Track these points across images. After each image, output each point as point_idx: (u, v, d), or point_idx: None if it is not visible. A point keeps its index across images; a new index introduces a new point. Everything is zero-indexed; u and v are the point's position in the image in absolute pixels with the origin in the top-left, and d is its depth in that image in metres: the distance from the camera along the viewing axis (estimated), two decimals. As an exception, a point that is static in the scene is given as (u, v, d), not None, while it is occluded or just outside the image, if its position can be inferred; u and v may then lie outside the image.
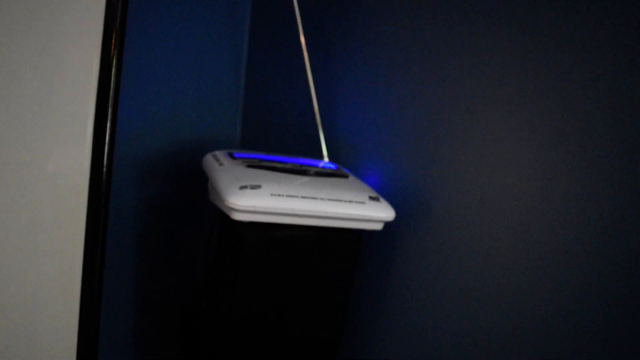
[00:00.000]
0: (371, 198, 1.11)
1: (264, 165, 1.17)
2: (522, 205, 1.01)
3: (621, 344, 0.88)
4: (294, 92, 1.56)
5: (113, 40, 0.96)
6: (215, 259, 1.23)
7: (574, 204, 0.93)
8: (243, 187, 1.04)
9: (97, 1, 0.94)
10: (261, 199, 1.03)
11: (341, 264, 1.14)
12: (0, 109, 0.90)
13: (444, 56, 1.15)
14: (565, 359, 0.95)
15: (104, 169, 0.99)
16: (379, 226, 1.12)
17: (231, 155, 1.24)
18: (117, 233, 1.48)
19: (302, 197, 1.06)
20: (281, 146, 1.58)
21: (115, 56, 0.97)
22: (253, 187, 1.04)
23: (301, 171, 1.18)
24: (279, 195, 1.04)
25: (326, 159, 1.32)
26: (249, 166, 1.16)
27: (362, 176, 1.30)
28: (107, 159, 0.99)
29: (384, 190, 1.23)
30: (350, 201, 1.08)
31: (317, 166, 1.26)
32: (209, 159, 1.24)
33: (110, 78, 0.97)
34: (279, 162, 1.23)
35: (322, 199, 1.07)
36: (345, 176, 1.21)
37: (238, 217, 1.04)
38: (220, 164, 1.17)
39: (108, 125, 0.98)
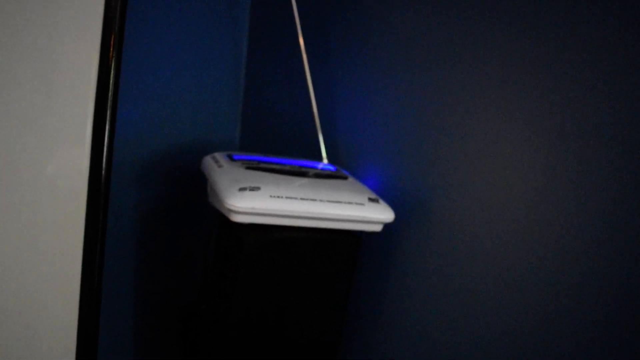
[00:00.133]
0: (370, 200, 1.11)
1: (263, 167, 1.17)
2: (522, 206, 1.01)
3: (621, 344, 0.88)
4: (293, 94, 1.56)
5: (112, 42, 0.96)
6: (215, 261, 1.23)
7: (574, 205, 0.93)
8: (242, 189, 1.04)
9: (95, 3, 0.94)
10: (260, 200, 1.03)
11: (340, 266, 1.14)
12: (1, 111, 0.90)
13: (443, 57, 1.15)
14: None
15: (103, 171, 0.99)
16: (378, 228, 1.12)
17: (230, 157, 1.24)
18: (116, 235, 1.48)
19: (302, 198, 1.06)
20: (280, 148, 1.58)
21: (114, 58, 0.97)
22: (252, 189, 1.04)
23: (300, 173, 1.18)
24: (278, 197, 1.04)
25: (325, 161, 1.32)
26: (248, 168, 1.16)
27: (361, 178, 1.30)
28: (106, 161, 0.99)
29: (383, 192, 1.23)
30: (349, 203, 1.08)
31: (316, 168, 1.26)
32: (208, 160, 1.24)
33: (109, 80, 0.97)
34: (278, 163, 1.23)
35: (321, 200, 1.07)
36: (344, 178, 1.21)
37: (237, 218, 1.04)
38: (220, 166, 1.17)
39: (107, 127, 0.98)
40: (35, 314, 0.98)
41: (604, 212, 0.90)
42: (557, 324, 0.96)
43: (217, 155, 1.26)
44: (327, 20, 1.46)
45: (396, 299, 1.25)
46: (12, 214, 0.94)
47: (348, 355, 1.35)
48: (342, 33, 1.42)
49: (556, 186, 0.96)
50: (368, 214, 1.09)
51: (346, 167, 1.34)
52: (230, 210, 1.03)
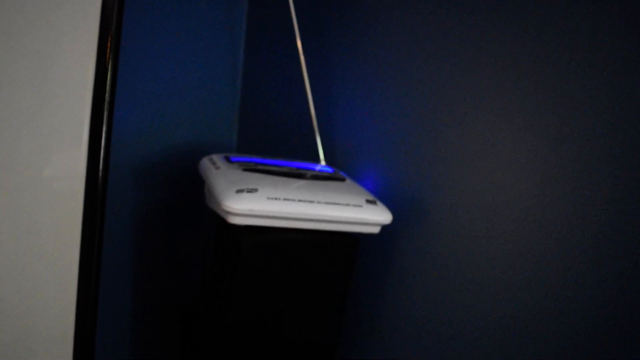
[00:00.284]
0: (368, 201, 1.11)
1: (261, 169, 1.17)
2: (520, 208, 1.01)
3: (618, 344, 0.88)
4: (290, 96, 1.56)
5: (109, 45, 0.96)
6: (213, 263, 1.23)
7: (572, 206, 0.93)
8: (240, 191, 1.04)
9: (92, 5, 0.94)
10: (258, 202, 1.03)
11: (338, 268, 1.14)
12: (-4, 114, 0.90)
13: (442, 59, 1.15)
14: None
15: (100, 174, 0.99)
16: (376, 229, 1.12)
17: (228, 159, 1.24)
18: (113, 236, 1.48)
19: (299, 200, 1.06)
20: (278, 150, 1.58)
21: (110, 60, 0.97)
22: (250, 191, 1.04)
23: (298, 175, 1.18)
24: (276, 198, 1.04)
25: (323, 163, 1.32)
26: (246, 170, 1.16)
27: (359, 179, 1.30)
28: (103, 163, 0.99)
29: (381, 194, 1.23)
30: (347, 204, 1.08)
31: (313, 170, 1.26)
32: (205, 162, 1.24)
33: (106, 81, 0.97)
34: (276, 165, 1.23)
35: (318, 202, 1.07)
36: (342, 179, 1.21)
37: (235, 220, 1.04)
38: (217, 168, 1.17)
39: (104, 129, 0.98)
40: (32, 315, 0.98)
41: (603, 213, 0.90)
42: (556, 325, 0.96)
43: (215, 157, 1.26)
44: (324, 22, 1.46)
45: (394, 300, 1.25)
46: (9, 215, 0.94)
47: (346, 357, 1.34)
48: (339, 34, 1.42)
49: (554, 187, 0.96)
50: (366, 215, 1.09)
51: (344, 169, 1.33)
52: (228, 212, 1.03)
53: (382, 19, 1.29)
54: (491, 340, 1.05)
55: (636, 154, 0.86)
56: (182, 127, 1.63)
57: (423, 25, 1.19)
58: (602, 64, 0.89)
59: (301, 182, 1.14)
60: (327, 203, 1.07)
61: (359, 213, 1.09)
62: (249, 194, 1.03)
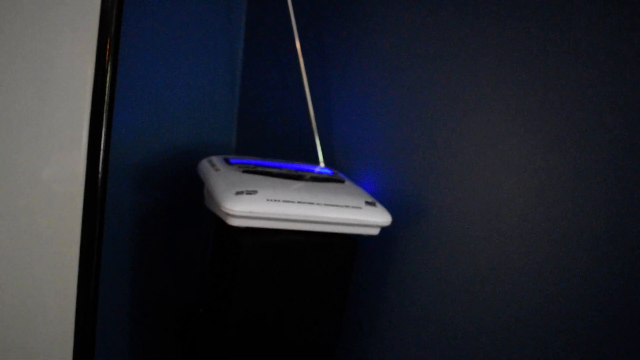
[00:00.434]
0: (367, 203, 1.11)
1: (260, 171, 1.17)
2: (519, 210, 1.01)
3: (616, 344, 0.89)
4: (289, 98, 1.56)
5: (108, 47, 0.96)
6: (212, 264, 1.23)
7: (570, 208, 0.94)
8: (239, 193, 1.04)
9: (91, 7, 0.94)
10: (257, 204, 1.03)
11: (338, 269, 1.14)
12: (-5, 116, 0.90)
13: (441, 60, 1.15)
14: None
15: (100, 175, 0.99)
16: (375, 231, 1.12)
17: (227, 161, 1.24)
18: (113, 238, 1.48)
19: (299, 202, 1.06)
20: (277, 151, 1.58)
21: (110, 62, 0.97)
22: (249, 193, 1.04)
23: (297, 176, 1.18)
24: (275, 200, 1.04)
25: (322, 164, 1.32)
26: (245, 171, 1.16)
27: (358, 181, 1.30)
28: (103, 165, 0.99)
29: (380, 195, 1.23)
30: (346, 206, 1.08)
31: (313, 171, 1.26)
32: (204, 164, 1.24)
33: (105, 84, 0.97)
34: (275, 167, 1.23)
35: (318, 204, 1.07)
36: (341, 181, 1.21)
37: (234, 222, 1.04)
38: (216, 170, 1.17)
39: (103, 131, 0.98)
40: (32, 317, 0.98)
41: (601, 215, 0.90)
42: (557, 326, 0.96)
43: (214, 158, 1.26)
44: (323, 24, 1.47)
45: (393, 301, 1.25)
46: (9, 217, 0.94)
47: (346, 357, 1.34)
48: (338, 36, 1.42)
49: (553, 188, 0.96)
50: (365, 217, 1.09)
51: (343, 171, 1.34)
52: (228, 214, 1.03)
53: (381, 20, 1.30)
54: (491, 341, 1.05)
55: (636, 154, 0.86)
56: (181, 129, 1.63)
57: (422, 26, 1.19)
58: (602, 64, 0.89)
59: (300, 184, 1.14)
60: (326, 205, 1.07)
61: (358, 215, 1.09)
62: (248, 196, 1.03)
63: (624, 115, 0.87)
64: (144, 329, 1.68)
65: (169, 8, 1.55)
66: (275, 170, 1.19)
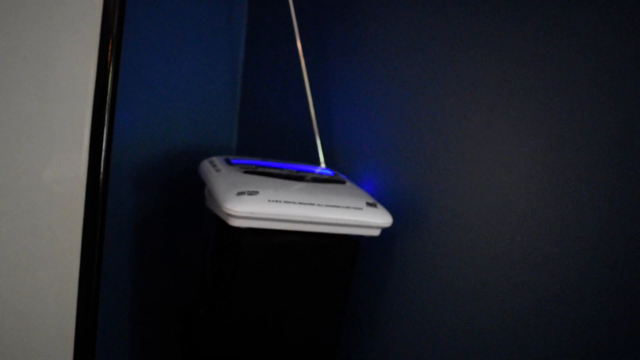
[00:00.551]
0: (368, 204, 1.11)
1: (261, 172, 1.17)
2: (520, 210, 1.01)
3: (616, 345, 0.89)
4: (290, 98, 1.56)
5: (110, 48, 0.97)
6: (213, 265, 1.23)
7: (571, 210, 0.94)
8: (240, 193, 1.04)
9: (94, 9, 0.95)
10: (259, 205, 1.03)
11: (338, 270, 1.14)
12: (-2, 116, 0.90)
13: (442, 61, 1.15)
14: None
15: (101, 176, 0.99)
16: (376, 232, 1.12)
17: (228, 162, 1.24)
18: (114, 239, 1.48)
19: (300, 203, 1.06)
20: (278, 152, 1.58)
21: (112, 63, 0.97)
22: (250, 193, 1.04)
23: (298, 177, 1.18)
24: (277, 201, 1.04)
25: (323, 165, 1.32)
26: (246, 172, 1.16)
27: (359, 182, 1.30)
28: (104, 165, 0.99)
29: (381, 196, 1.23)
30: (347, 207, 1.08)
31: (313, 172, 1.26)
32: (205, 165, 1.24)
33: (107, 85, 0.97)
34: (276, 168, 1.23)
35: (319, 205, 1.07)
36: (342, 182, 1.21)
37: (235, 223, 1.04)
38: (217, 170, 1.17)
39: (105, 132, 0.98)
40: (33, 317, 0.98)
41: (602, 217, 0.90)
42: (557, 326, 0.96)
43: (215, 159, 1.26)
44: (324, 24, 1.47)
45: (394, 302, 1.25)
46: (10, 218, 0.94)
47: (346, 358, 1.34)
48: (339, 37, 1.42)
49: (553, 189, 0.96)
50: (366, 218, 1.09)
51: (344, 171, 1.34)
52: (229, 215, 1.03)
53: (383, 21, 1.30)
54: (492, 342, 1.06)
55: (636, 154, 0.86)
56: (182, 129, 1.63)
57: (424, 27, 1.19)
58: (602, 65, 0.90)
59: (301, 184, 1.14)
60: (327, 206, 1.07)
61: (359, 216, 1.09)
62: (249, 197, 1.03)
63: (624, 115, 0.87)
64: (144, 329, 1.68)
65: (171, 9, 1.55)
66: (276, 171, 1.19)
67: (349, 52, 1.39)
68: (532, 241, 0.99)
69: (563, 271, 0.95)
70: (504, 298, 1.03)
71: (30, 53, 0.91)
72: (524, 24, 1.00)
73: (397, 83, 1.25)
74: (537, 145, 0.98)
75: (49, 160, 0.95)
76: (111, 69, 0.97)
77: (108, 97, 0.97)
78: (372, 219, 1.10)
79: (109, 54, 0.97)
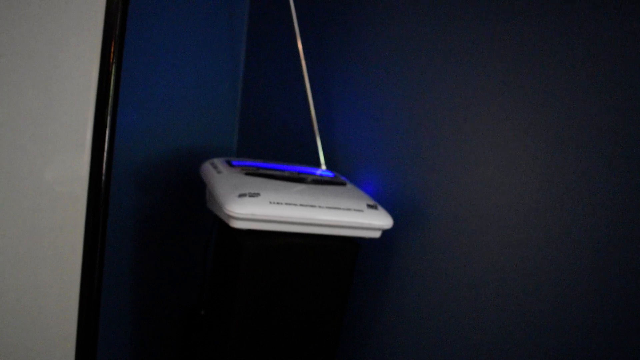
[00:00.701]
0: (369, 206, 1.11)
1: (262, 173, 1.17)
2: (520, 214, 1.01)
3: (616, 347, 0.89)
4: (291, 100, 1.56)
5: (112, 49, 0.97)
6: (214, 266, 1.23)
7: (572, 212, 0.94)
8: (242, 195, 1.04)
9: (96, 10, 0.95)
10: (260, 206, 1.03)
11: (339, 272, 1.14)
12: (0, 117, 0.90)
13: (443, 63, 1.16)
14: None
15: (103, 177, 0.99)
16: (376, 234, 1.13)
17: (229, 163, 1.24)
18: (115, 240, 1.48)
19: (301, 205, 1.06)
20: (278, 154, 1.58)
21: (114, 64, 0.97)
22: (252, 195, 1.04)
23: (299, 179, 1.18)
24: (278, 203, 1.05)
25: (323, 167, 1.32)
26: (248, 174, 1.16)
27: (360, 184, 1.30)
28: (106, 166, 0.99)
29: (381, 198, 1.23)
30: (348, 209, 1.09)
31: (314, 174, 1.26)
32: (207, 166, 1.25)
33: (110, 86, 0.97)
34: (277, 169, 1.23)
35: (320, 207, 1.07)
36: (342, 184, 1.21)
37: (237, 224, 1.04)
38: (219, 172, 1.18)
39: (107, 133, 0.98)
40: (35, 318, 0.98)
41: (603, 217, 0.90)
42: (557, 328, 0.96)
43: (216, 161, 1.27)
44: (325, 27, 1.47)
45: (394, 305, 1.25)
46: (12, 218, 0.94)
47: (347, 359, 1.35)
48: (339, 40, 1.42)
49: (554, 191, 0.96)
50: (367, 220, 1.09)
51: (344, 173, 1.34)
52: (230, 216, 1.03)
53: (383, 23, 1.30)
54: (492, 344, 1.06)
55: (637, 156, 0.86)
56: (184, 131, 1.63)
57: (424, 30, 1.20)
58: (602, 66, 0.90)
59: (302, 186, 1.14)
60: (328, 207, 1.08)
61: (360, 217, 1.09)
62: (251, 198, 1.04)
63: (624, 117, 0.87)
64: (146, 330, 1.68)
65: (172, 11, 1.55)
66: (277, 173, 1.19)
67: (349, 55, 1.40)
68: (533, 243, 0.99)
69: (563, 272, 0.95)
70: (504, 300, 1.04)
71: (33, 54, 0.91)
72: (523, 25, 1.00)
73: (398, 85, 1.26)
74: (537, 146, 0.99)
75: (51, 161, 0.95)
76: (113, 70, 0.97)
77: (110, 99, 0.98)
78: (373, 221, 1.10)
79: (112, 55, 0.97)
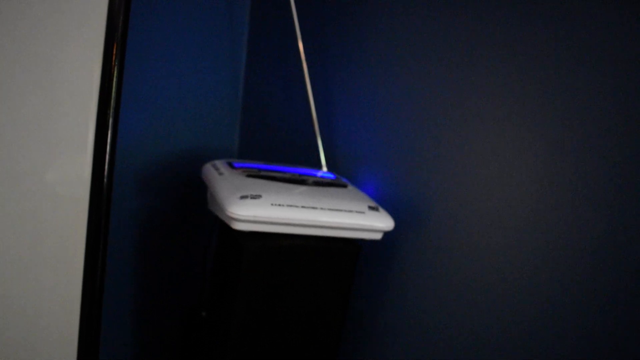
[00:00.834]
0: (370, 208, 1.11)
1: (264, 175, 1.18)
2: (520, 214, 1.01)
3: (616, 349, 0.89)
4: (291, 102, 1.56)
5: (114, 51, 0.97)
6: (215, 268, 1.23)
7: (572, 213, 0.94)
8: (243, 197, 1.04)
9: (98, 12, 0.95)
10: (262, 208, 1.03)
11: (340, 273, 1.15)
12: (2, 119, 0.91)
13: (444, 65, 1.16)
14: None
15: (105, 179, 0.99)
16: (378, 236, 1.13)
17: (231, 165, 1.24)
18: (117, 241, 1.48)
19: (302, 206, 1.06)
20: (279, 155, 1.58)
21: (116, 66, 0.98)
22: (253, 197, 1.05)
23: (300, 181, 1.18)
24: (279, 205, 1.05)
25: (325, 169, 1.32)
26: (249, 176, 1.16)
27: (361, 186, 1.30)
28: (108, 168, 0.99)
29: (382, 200, 1.23)
30: (349, 211, 1.09)
31: (315, 176, 1.26)
32: (208, 168, 1.25)
33: (112, 88, 0.97)
34: (279, 171, 1.23)
35: (321, 208, 1.07)
36: (344, 186, 1.21)
37: (238, 226, 1.04)
38: (220, 174, 1.18)
39: (109, 135, 0.98)
40: (37, 319, 0.98)
41: (603, 218, 0.90)
42: (557, 331, 0.96)
43: (218, 162, 1.27)
44: (326, 28, 1.47)
45: (395, 306, 1.25)
46: (14, 220, 0.94)
47: (346, 362, 1.35)
48: (340, 41, 1.43)
49: (554, 193, 0.96)
50: (368, 222, 1.10)
51: (345, 175, 1.34)
52: (232, 218, 1.03)
53: (384, 25, 1.30)
54: (493, 345, 1.06)
55: (637, 157, 0.86)
56: (185, 133, 1.63)
57: (425, 31, 1.20)
58: (602, 67, 0.90)
59: (304, 188, 1.15)
60: (329, 209, 1.08)
61: (361, 219, 1.09)
62: (252, 200, 1.04)
63: (624, 119, 0.88)
64: (147, 331, 1.68)
65: (174, 13, 1.55)
66: (278, 175, 1.20)
67: (351, 56, 1.40)
68: (533, 244, 0.99)
69: (564, 273, 0.95)
70: (505, 301, 1.04)
71: (35, 56, 0.92)
72: (524, 26, 1.01)
73: (399, 87, 1.26)
74: (538, 148, 0.99)
75: (53, 163, 0.95)
76: (115, 72, 0.97)
77: (112, 100, 0.98)
78: (374, 223, 1.10)
79: (114, 57, 0.97)
